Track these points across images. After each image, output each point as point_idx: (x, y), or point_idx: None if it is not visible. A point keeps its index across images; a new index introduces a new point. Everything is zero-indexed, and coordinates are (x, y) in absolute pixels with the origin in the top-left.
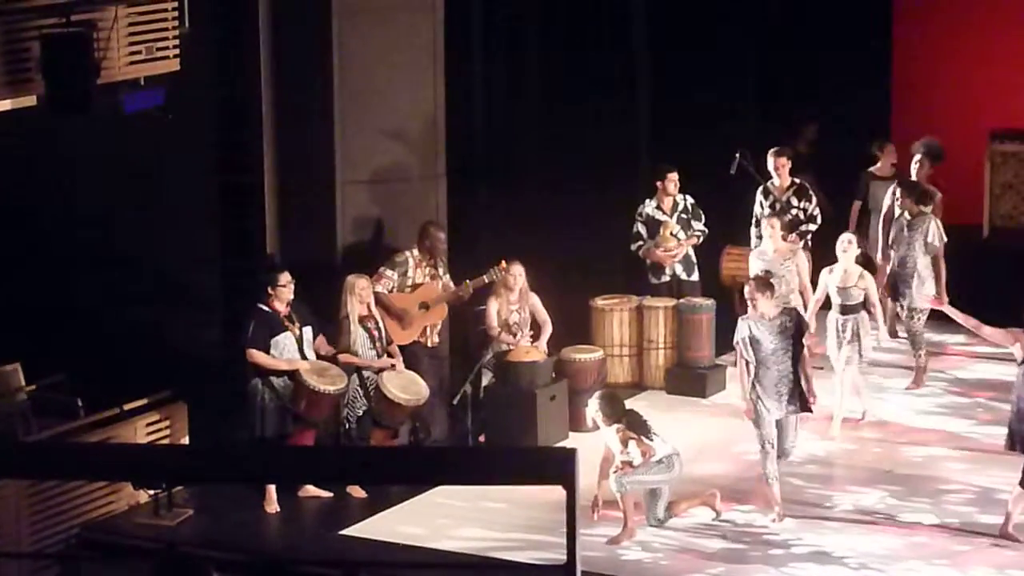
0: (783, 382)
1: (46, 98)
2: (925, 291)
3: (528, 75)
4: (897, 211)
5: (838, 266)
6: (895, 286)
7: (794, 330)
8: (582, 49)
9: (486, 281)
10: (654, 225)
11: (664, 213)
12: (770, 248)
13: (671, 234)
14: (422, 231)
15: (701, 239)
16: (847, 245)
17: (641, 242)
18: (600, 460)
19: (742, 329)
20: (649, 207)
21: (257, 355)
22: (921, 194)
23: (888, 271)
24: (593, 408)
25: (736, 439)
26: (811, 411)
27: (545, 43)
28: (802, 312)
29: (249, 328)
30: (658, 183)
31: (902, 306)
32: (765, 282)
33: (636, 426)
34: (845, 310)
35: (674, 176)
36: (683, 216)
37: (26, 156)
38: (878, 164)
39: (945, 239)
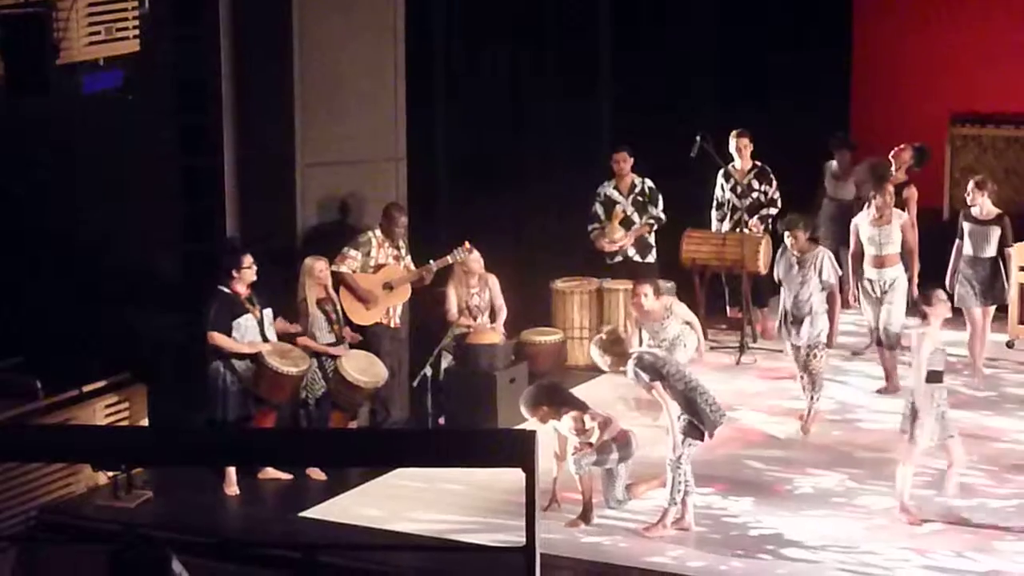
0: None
1: (4, 79)
2: (815, 329)
3: (489, 57)
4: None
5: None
6: (788, 326)
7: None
8: (544, 32)
9: (449, 262)
10: (611, 206)
11: (620, 194)
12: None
13: (619, 224)
14: (385, 212)
15: (656, 227)
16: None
17: (597, 224)
18: (555, 451)
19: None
20: (607, 188)
21: (219, 338)
22: (814, 227)
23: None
24: (537, 416)
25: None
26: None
27: (507, 25)
28: None
29: (211, 310)
30: (612, 164)
31: (796, 347)
32: None
33: (577, 401)
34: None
35: (621, 155)
36: (639, 199)
37: None
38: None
39: (840, 273)
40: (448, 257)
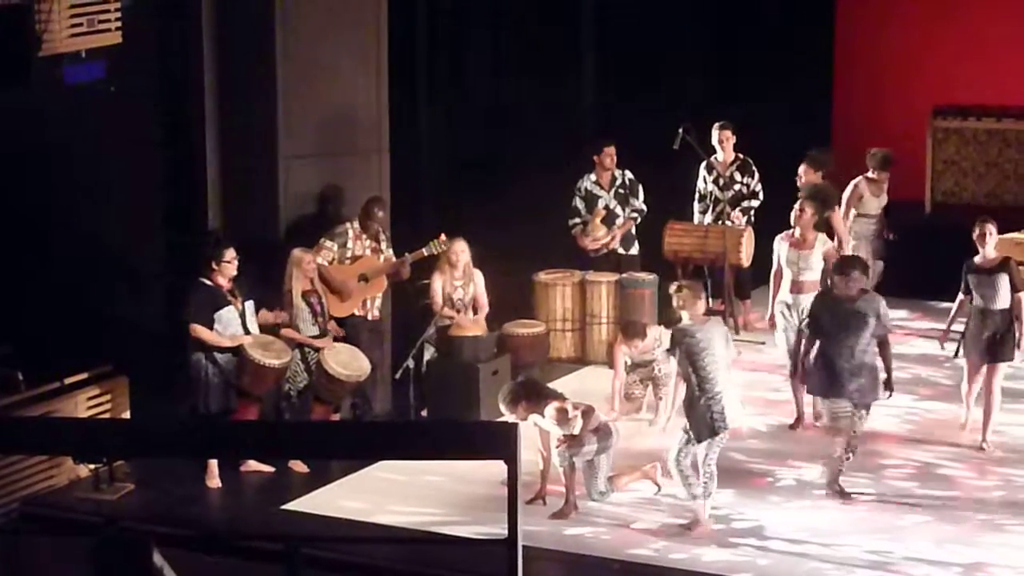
0: None
1: None
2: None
3: (472, 50)
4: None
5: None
6: (837, 383)
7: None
8: (527, 24)
9: (425, 254)
10: (592, 200)
11: (602, 188)
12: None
13: (601, 221)
14: (364, 206)
15: (639, 219)
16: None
17: (578, 219)
18: (539, 448)
19: None
20: (588, 181)
21: (200, 330)
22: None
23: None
24: (515, 413)
25: (676, 413)
26: None
27: (490, 19)
28: None
29: (192, 303)
30: (595, 157)
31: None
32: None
33: (556, 394)
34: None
35: (611, 150)
36: (621, 192)
37: None
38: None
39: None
40: (423, 250)
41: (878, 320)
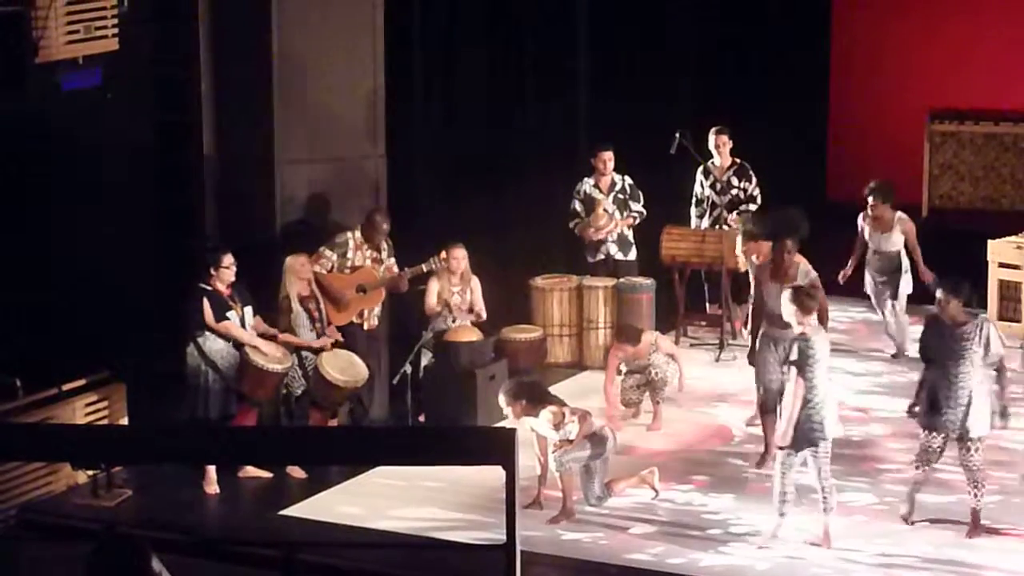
0: None
1: None
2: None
3: (468, 54)
4: None
5: None
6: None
7: None
8: (523, 28)
9: (424, 271)
10: (591, 203)
11: (601, 192)
12: None
13: (603, 210)
14: (368, 217)
15: (638, 220)
16: None
17: (577, 219)
18: (536, 453)
19: None
20: (587, 185)
21: (231, 327)
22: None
23: None
24: (512, 408)
25: (674, 418)
26: None
27: (486, 22)
28: None
29: (201, 307)
30: (592, 161)
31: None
32: None
33: (556, 399)
34: None
35: (606, 155)
36: (620, 196)
37: None
38: None
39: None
40: (423, 266)
41: (987, 346)
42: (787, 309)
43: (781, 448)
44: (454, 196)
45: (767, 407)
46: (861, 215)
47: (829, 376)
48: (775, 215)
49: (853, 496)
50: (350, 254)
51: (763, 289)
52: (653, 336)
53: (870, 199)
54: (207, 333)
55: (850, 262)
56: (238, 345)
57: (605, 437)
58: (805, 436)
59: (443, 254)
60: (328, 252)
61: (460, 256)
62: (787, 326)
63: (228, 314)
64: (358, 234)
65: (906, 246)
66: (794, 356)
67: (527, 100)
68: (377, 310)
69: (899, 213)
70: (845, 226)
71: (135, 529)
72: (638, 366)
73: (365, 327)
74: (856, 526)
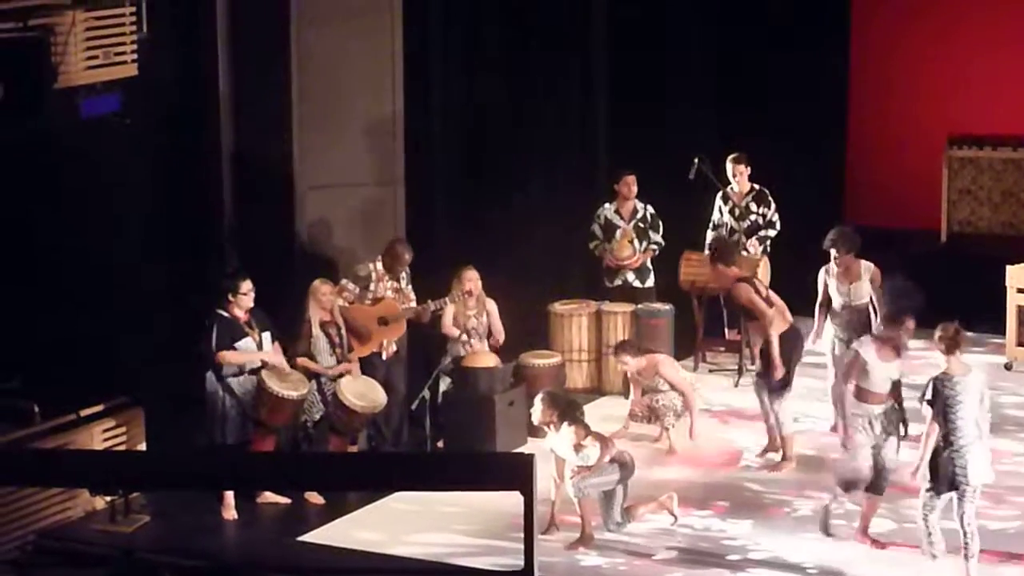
0: None
1: (2, 102)
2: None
3: (486, 81)
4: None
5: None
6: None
7: None
8: (541, 55)
9: (449, 304)
10: (611, 229)
11: (622, 218)
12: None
13: (628, 242)
14: (390, 249)
15: (657, 251)
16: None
17: (597, 242)
18: (553, 475)
19: None
20: (608, 211)
21: (228, 355)
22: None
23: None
24: (543, 411)
25: (692, 443)
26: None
27: (504, 49)
28: None
29: (212, 334)
30: (615, 186)
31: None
32: None
33: (585, 426)
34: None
35: (630, 179)
36: (640, 225)
37: None
38: None
39: None
40: (447, 299)
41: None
42: (938, 347)
43: (922, 487)
44: (471, 221)
45: (854, 484)
46: (824, 269)
47: (985, 417)
48: (894, 289)
49: (873, 523)
50: (372, 285)
51: (866, 365)
52: (657, 359)
53: (833, 251)
54: None
55: (816, 324)
56: (255, 371)
57: (625, 463)
58: (947, 479)
59: (467, 287)
60: (351, 285)
61: (472, 278)
62: (883, 400)
63: (243, 340)
64: (379, 265)
65: (871, 297)
66: (928, 395)
67: (546, 125)
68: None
69: (864, 262)
70: (866, 253)
71: (153, 555)
72: (649, 386)
73: (384, 355)
74: (874, 553)
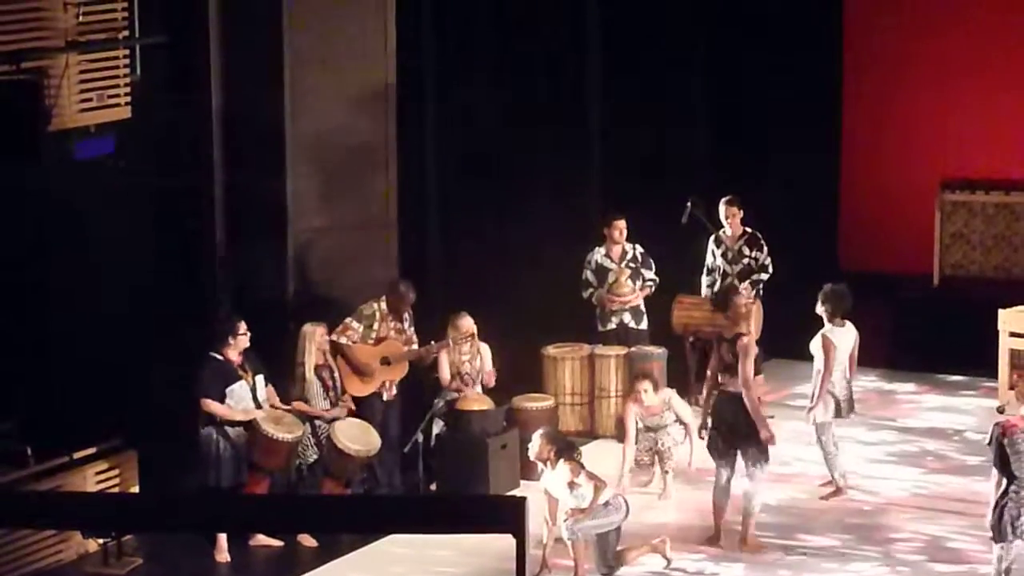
0: None
1: None
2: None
3: (477, 123)
4: None
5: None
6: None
7: None
8: (533, 95)
9: (451, 345)
10: (603, 273)
11: (612, 261)
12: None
13: (625, 280)
14: (394, 289)
15: (653, 288)
16: None
17: (592, 288)
18: (545, 516)
19: None
20: (598, 255)
21: (212, 405)
22: None
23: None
24: (541, 446)
25: (686, 486)
26: None
27: (495, 89)
28: None
29: (202, 377)
30: (605, 230)
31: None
32: None
33: (581, 465)
34: None
35: (620, 224)
36: (631, 265)
37: None
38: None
39: None
40: (449, 340)
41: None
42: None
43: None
44: (465, 263)
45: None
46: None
47: None
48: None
49: (865, 565)
50: (376, 325)
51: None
52: (668, 394)
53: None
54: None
55: (818, 392)
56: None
57: (619, 507)
58: (1011, 526)
59: (453, 326)
60: (355, 324)
61: (471, 325)
62: None
63: (236, 384)
64: (383, 305)
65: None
66: (987, 440)
67: (538, 169)
68: (397, 380)
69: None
70: (859, 297)
71: None
72: (652, 424)
73: (385, 397)
74: None
